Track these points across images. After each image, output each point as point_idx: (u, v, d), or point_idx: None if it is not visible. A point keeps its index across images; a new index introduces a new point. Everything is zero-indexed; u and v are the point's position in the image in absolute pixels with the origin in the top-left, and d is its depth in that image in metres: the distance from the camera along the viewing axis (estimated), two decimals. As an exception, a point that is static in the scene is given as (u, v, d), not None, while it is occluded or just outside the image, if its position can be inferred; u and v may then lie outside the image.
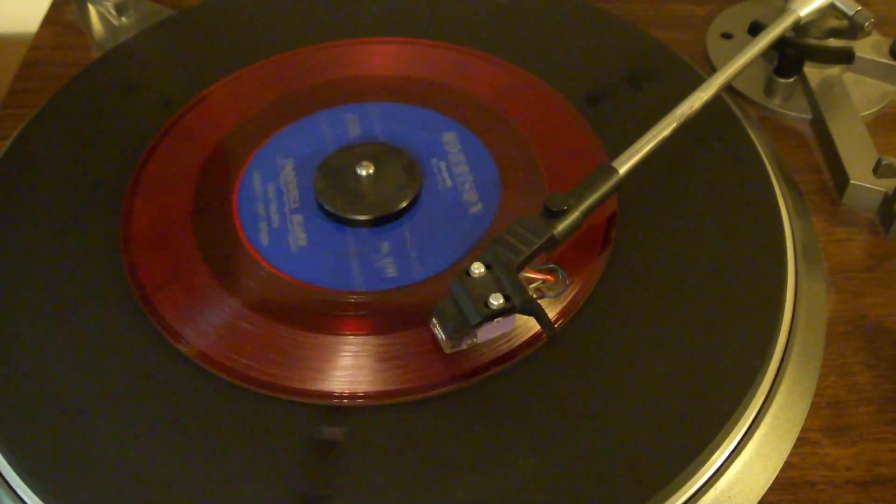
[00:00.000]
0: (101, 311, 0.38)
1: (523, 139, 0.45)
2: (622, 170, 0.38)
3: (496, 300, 0.34)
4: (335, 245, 0.40)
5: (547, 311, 0.36)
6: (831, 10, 0.47)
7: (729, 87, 0.48)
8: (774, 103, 0.50)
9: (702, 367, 0.36)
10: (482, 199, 0.42)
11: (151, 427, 0.34)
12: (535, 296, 0.35)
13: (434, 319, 0.35)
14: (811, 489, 0.35)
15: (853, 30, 0.47)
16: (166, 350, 0.37)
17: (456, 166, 0.44)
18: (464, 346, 0.35)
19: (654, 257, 0.40)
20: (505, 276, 0.34)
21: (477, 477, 0.33)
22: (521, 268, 0.36)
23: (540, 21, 0.52)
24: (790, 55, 0.49)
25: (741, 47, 0.44)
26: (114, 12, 0.55)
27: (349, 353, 0.36)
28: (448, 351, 0.35)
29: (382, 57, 0.50)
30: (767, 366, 0.36)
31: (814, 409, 0.37)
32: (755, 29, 0.50)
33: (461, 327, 0.34)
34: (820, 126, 0.48)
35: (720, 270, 0.39)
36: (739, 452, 0.34)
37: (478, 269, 0.35)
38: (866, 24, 0.46)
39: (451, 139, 0.45)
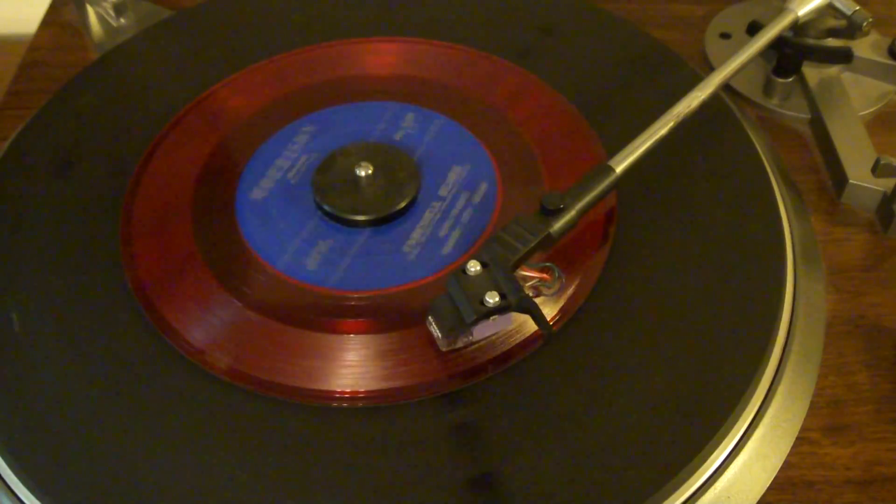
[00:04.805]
0: (101, 312, 0.38)
1: (522, 138, 0.45)
2: (619, 168, 0.38)
3: (492, 298, 0.34)
4: (334, 245, 0.40)
5: (546, 309, 0.36)
6: (829, 9, 0.47)
7: (728, 87, 0.48)
8: (773, 103, 0.50)
9: (701, 366, 0.35)
10: (481, 198, 0.42)
11: (151, 427, 0.34)
12: (531, 294, 0.35)
13: (430, 317, 0.35)
14: (810, 489, 0.35)
15: (851, 29, 0.47)
16: (166, 351, 0.36)
17: (454, 165, 0.44)
18: (460, 345, 0.35)
19: (653, 256, 0.39)
20: (501, 274, 0.34)
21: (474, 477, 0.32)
22: (517, 266, 0.36)
23: (539, 20, 0.52)
24: (788, 55, 0.49)
25: (739, 47, 0.44)
26: (112, 13, 0.55)
27: (346, 353, 0.36)
28: (444, 349, 0.35)
29: (381, 57, 0.50)
30: (766, 365, 0.36)
31: (813, 409, 0.37)
32: (753, 29, 0.50)
33: (457, 325, 0.34)
34: (818, 126, 0.48)
35: (719, 270, 0.39)
36: (738, 452, 0.34)
37: (474, 266, 0.35)
38: (864, 23, 0.46)
39: (449, 138, 0.45)
